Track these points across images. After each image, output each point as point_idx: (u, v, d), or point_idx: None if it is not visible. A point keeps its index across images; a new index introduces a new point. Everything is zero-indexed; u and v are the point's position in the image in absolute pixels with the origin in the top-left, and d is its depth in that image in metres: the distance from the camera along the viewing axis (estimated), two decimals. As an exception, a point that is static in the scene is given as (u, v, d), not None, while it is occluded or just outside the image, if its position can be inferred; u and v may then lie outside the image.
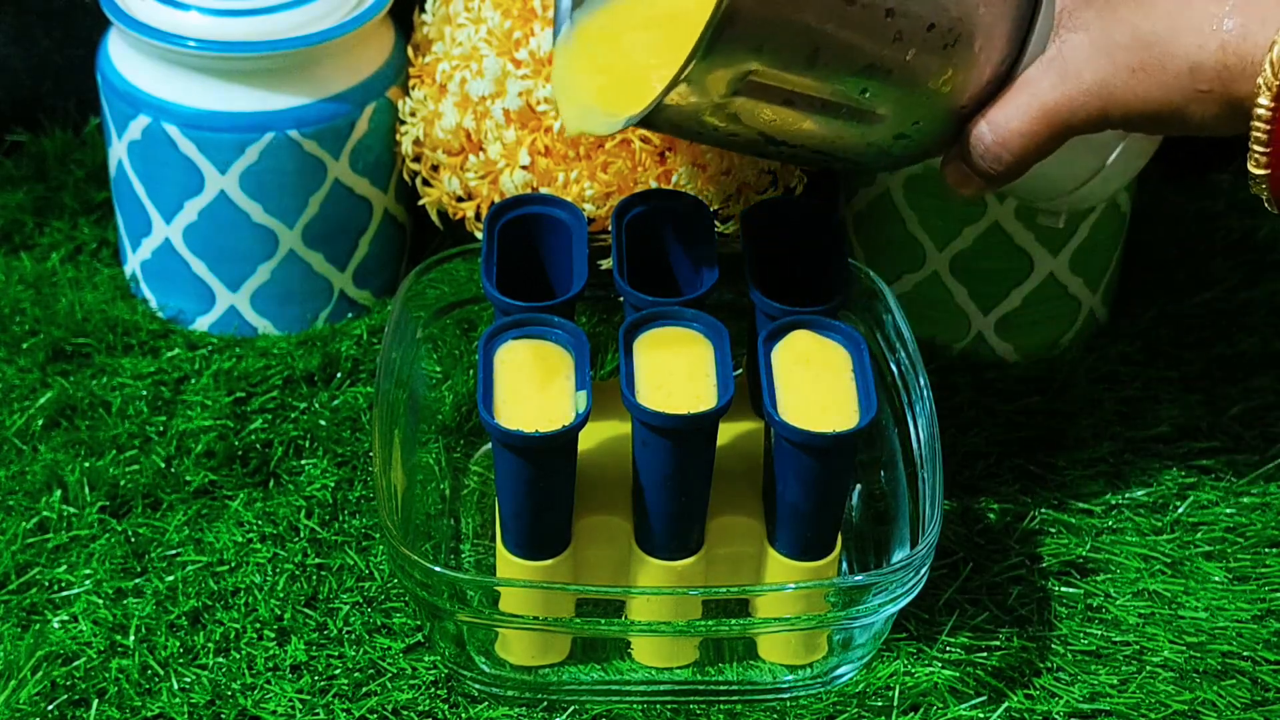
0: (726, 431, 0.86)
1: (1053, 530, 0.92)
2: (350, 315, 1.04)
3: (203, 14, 0.97)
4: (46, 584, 0.88)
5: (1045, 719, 0.84)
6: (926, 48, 0.77)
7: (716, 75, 0.76)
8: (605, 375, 0.99)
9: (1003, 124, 0.79)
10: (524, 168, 0.94)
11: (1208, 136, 0.77)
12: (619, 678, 0.85)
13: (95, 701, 0.83)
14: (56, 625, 0.86)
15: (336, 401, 0.98)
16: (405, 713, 0.84)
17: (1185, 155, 1.14)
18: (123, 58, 0.99)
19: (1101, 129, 0.78)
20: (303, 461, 0.95)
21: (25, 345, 1.00)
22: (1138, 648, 0.87)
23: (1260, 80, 0.72)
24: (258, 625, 0.87)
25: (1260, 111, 0.73)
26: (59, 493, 0.92)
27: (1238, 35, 0.73)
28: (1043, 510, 0.93)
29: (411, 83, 0.99)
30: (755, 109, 0.78)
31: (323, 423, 0.96)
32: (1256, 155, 0.74)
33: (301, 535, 0.91)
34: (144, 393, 0.97)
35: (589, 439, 0.85)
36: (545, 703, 0.84)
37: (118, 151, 1.00)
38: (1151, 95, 0.75)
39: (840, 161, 0.83)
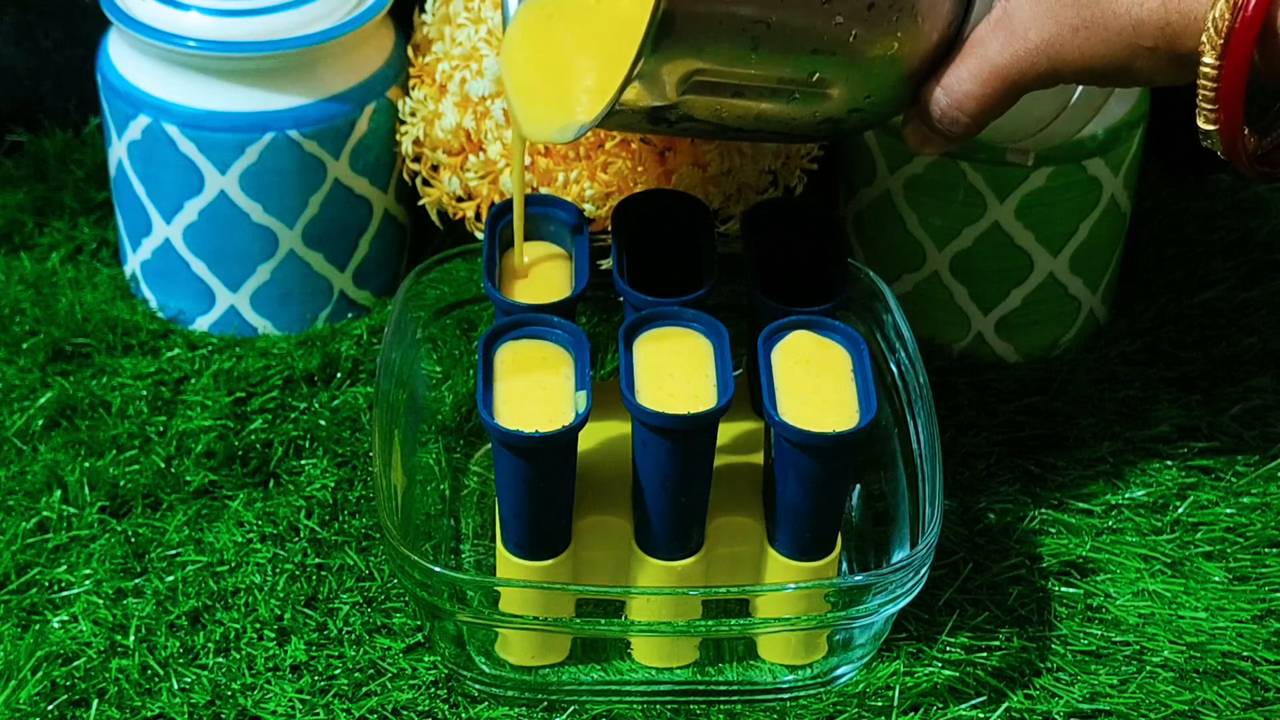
0: (726, 431, 0.86)
1: (1053, 530, 0.92)
2: (350, 315, 1.04)
3: (203, 14, 0.97)
4: (46, 584, 0.88)
5: (1045, 719, 0.84)
6: (869, 25, 0.77)
7: (661, 78, 0.76)
8: (605, 375, 0.99)
9: (956, 87, 0.79)
10: (524, 168, 0.94)
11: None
12: (619, 678, 0.85)
13: (95, 701, 0.83)
14: (56, 625, 0.86)
15: (336, 401, 0.98)
16: (405, 713, 0.84)
17: (1185, 155, 1.14)
18: (123, 58, 0.99)
19: (1053, 85, 0.78)
20: (303, 461, 0.95)
21: (25, 345, 1.00)
22: (1138, 648, 0.87)
23: (1204, 38, 0.72)
24: (258, 625, 0.87)
25: (1205, 70, 0.73)
26: (59, 493, 0.92)
27: None
28: (1043, 510, 0.93)
29: (411, 83, 0.99)
30: (706, 103, 0.78)
31: (323, 423, 0.96)
32: (1205, 111, 0.74)
33: (301, 535, 0.91)
34: (144, 393, 0.97)
35: (589, 439, 0.85)
36: (545, 703, 0.84)
37: (118, 151, 1.00)
38: (1097, 52, 0.76)
39: (800, 139, 0.83)
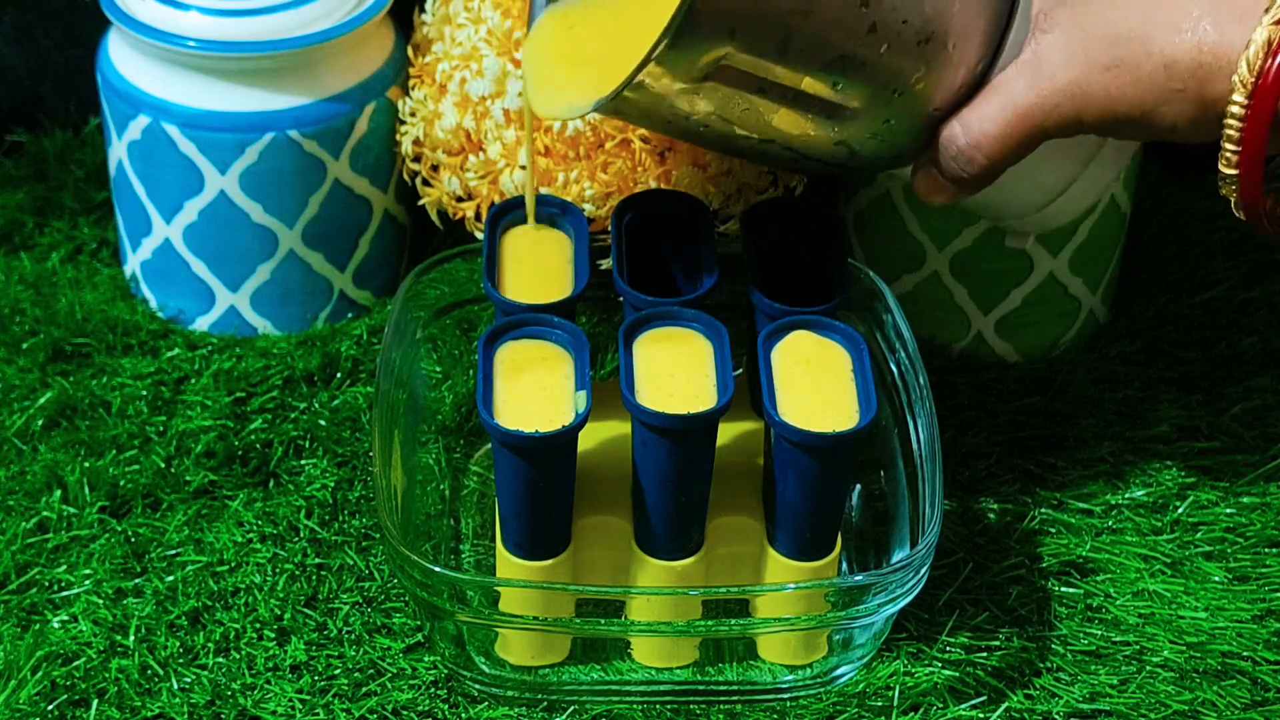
0: (726, 431, 0.86)
1: (1053, 530, 0.92)
2: (350, 315, 1.04)
3: (203, 14, 0.97)
4: (46, 584, 0.88)
5: (1045, 719, 0.84)
6: (901, 43, 0.77)
7: (688, 58, 0.75)
8: (605, 375, 0.99)
9: (975, 125, 0.79)
10: (524, 168, 0.94)
11: (1174, 143, 0.77)
12: (619, 678, 0.85)
13: (95, 701, 0.83)
14: (56, 625, 0.86)
15: (336, 401, 0.98)
16: (405, 713, 0.84)
17: (1185, 155, 1.14)
18: (123, 58, 0.99)
19: (1074, 132, 0.78)
20: (303, 461, 0.95)
21: (25, 345, 1.00)
22: (1138, 648, 0.87)
23: (1235, 78, 0.72)
24: (258, 625, 0.87)
25: (1234, 109, 0.73)
26: (59, 493, 0.92)
27: (1214, 33, 0.73)
28: (1043, 510, 0.93)
29: (411, 83, 0.99)
30: (727, 97, 0.78)
31: (323, 423, 0.96)
32: (1228, 155, 0.74)
33: (301, 535, 0.91)
34: (144, 393, 0.97)
35: (589, 439, 0.85)
36: (545, 703, 0.84)
37: (118, 151, 1.00)
38: (1125, 94, 0.75)
39: (810, 162, 0.82)
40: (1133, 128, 0.77)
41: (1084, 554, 0.91)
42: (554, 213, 0.91)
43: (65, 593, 0.88)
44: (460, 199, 0.98)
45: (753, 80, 0.77)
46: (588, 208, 0.93)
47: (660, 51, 0.74)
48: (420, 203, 1.00)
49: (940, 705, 0.84)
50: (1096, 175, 0.86)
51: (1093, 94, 0.76)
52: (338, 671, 0.85)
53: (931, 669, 0.85)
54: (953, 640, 0.87)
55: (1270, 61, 0.72)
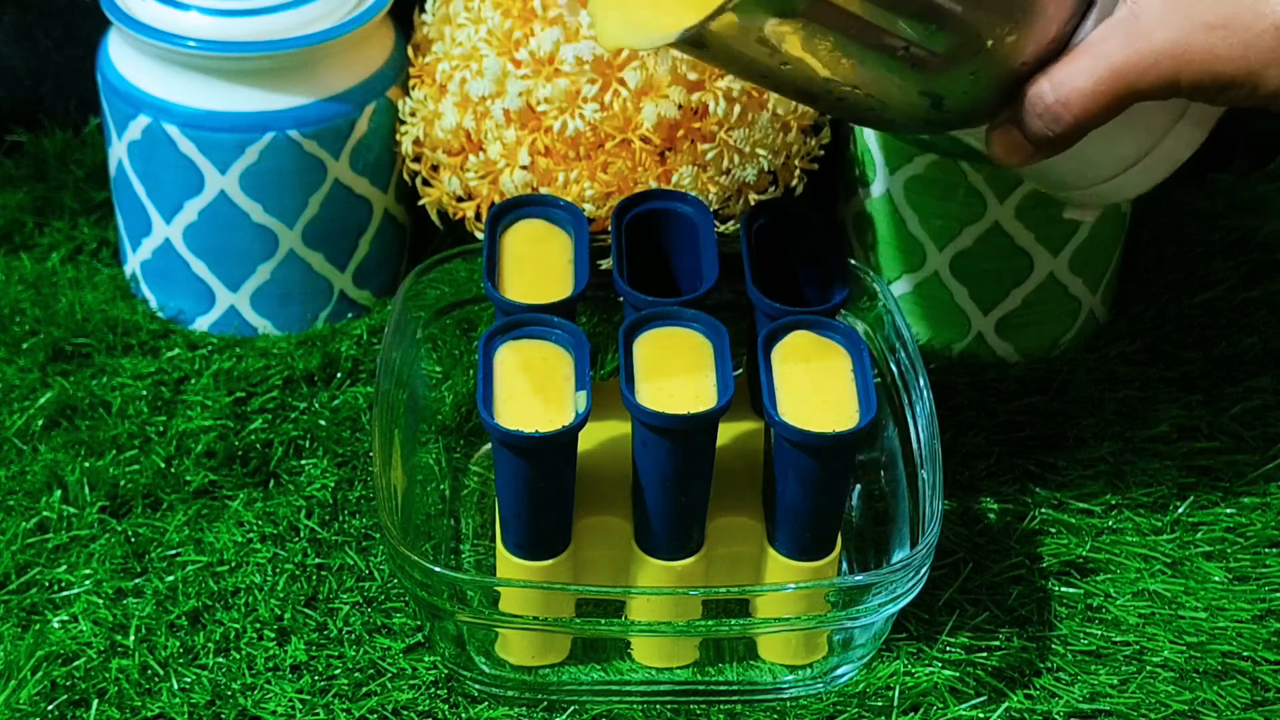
0: (726, 431, 0.86)
1: (1053, 530, 0.92)
2: (350, 315, 1.04)
3: (203, 14, 0.97)
4: (46, 584, 0.88)
5: (1045, 719, 0.84)
6: None
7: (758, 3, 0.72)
8: (605, 375, 0.99)
9: (1065, 82, 0.76)
10: (524, 168, 0.94)
11: (1270, 112, 0.74)
12: (619, 678, 0.85)
13: (95, 701, 0.83)
14: (56, 625, 0.86)
15: (336, 401, 0.98)
16: (405, 713, 0.84)
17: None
18: (123, 58, 0.99)
19: (1169, 95, 0.75)
20: (303, 461, 0.95)
21: (25, 345, 1.00)
22: (1138, 648, 0.87)
23: None
24: (258, 625, 0.87)
25: None
26: (59, 493, 0.92)
27: None
28: (1043, 510, 0.93)
29: (411, 83, 0.99)
30: (815, 36, 0.75)
31: (323, 423, 0.96)
32: None
33: (301, 535, 0.91)
34: (144, 393, 0.97)
35: (589, 439, 0.85)
36: (545, 703, 0.84)
37: (118, 151, 1.00)
38: (1230, 55, 0.73)
39: (890, 113, 0.79)
40: (1234, 91, 0.74)
41: (1084, 554, 0.91)
42: (553, 212, 0.91)
43: (65, 593, 0.88)
44: (460, 199, 0.98)
45: (844, 18, 0.74)
46: (588, 208, 0.93)
47: None
48: (420, 203, 1.00)
49: (940, 705, 0.84)
50: (1171, 149, 0.84)
51: (1194, 54, 0.73)
52: (338, 671, 0.85)
53: (931, 669, 0.85)
54: (953, 640, 0.87)
55: None
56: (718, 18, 0.73)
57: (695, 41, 0.75)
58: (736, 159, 0.94)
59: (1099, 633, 0.88)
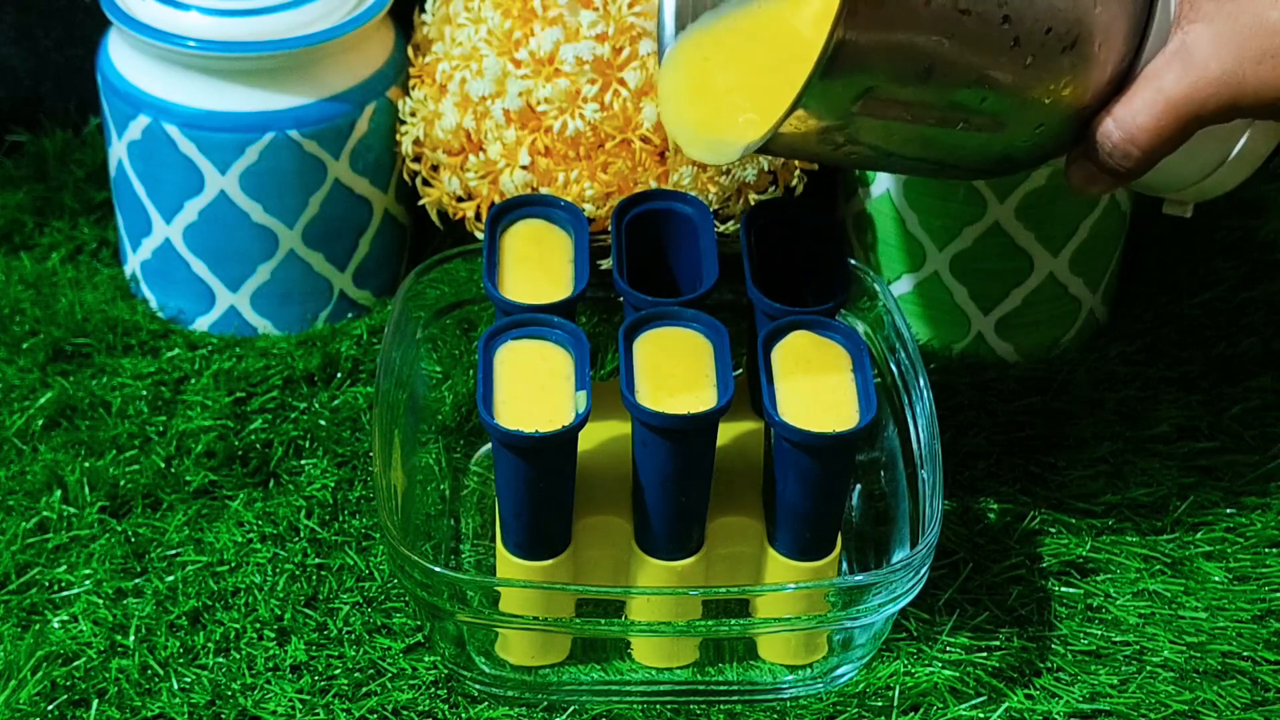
0: (726, 431, 0.86)
1: (1053, 530, 0.92)
2: (350, 315, 1.04)
3: (203, 14, 0.97)
4: (46, 584, 0.88)
5: (1045, 719, 0.84)
6: (1045, 52, 0.76)
7: (833, 95, 0.74)
8: (605, 375, 0.99)
9: (1129, 120, 0.77)
10: (524, 168, 0.94)
11: None
12: (619, 678, 0.85)
13: (95, 701, 0.83)
14: (56, 625, 0.86)
15: (336, 401, 0.98)
16: (405, 713, 0.84)
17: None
18: (123, 58, 0.99)
19: (1231, 119, 0.77)
20: (303, 461, 0.95)
21: (25, 345, 1.00)
22: (1138, 648, 0.87)
23: None
24: (258, 625, 0.87)
25: None
26: (59, 493, 0.92)
27: None
28: (1043, 510, 0.93)
29: (411, 83, 0.99)
30: (873, 126, 0.77)
31: (323, 423, 0.96)
32: None
33: (301, 535, 0.91)
34: (144, 393, 0.97)
35: (589, 439, 0.85)
36: (545, 703, 0.84)
37: (118, 151, 1.00)
38: None
39: (963, 171, 0.81)
40: None
41: (1084, 554, 0.91)
42: (553, 212, 0.91)
43: (65, 593, 0.88)
44: (460, 199, 0.98)
45: (900, 107, 0.76)
46: (588, 208, 0.93)
47: (806, 93, 0.73)
48: (420, 203, 1.00)
49: (940, 705, 0.84)
50: (1251, 148, 0.85)
51: (1247, 83, 0.75)
52: (338, 671, 0.85)
53: (931, 669, 0.85)
54: (953, 640, 0.87)
55: None
56: (773, 132, 0.76)
57: (762, 150, 0.78)
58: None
59: (1099, 633, 0.88)
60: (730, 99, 0.83)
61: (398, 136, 1.00)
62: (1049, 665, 0.86)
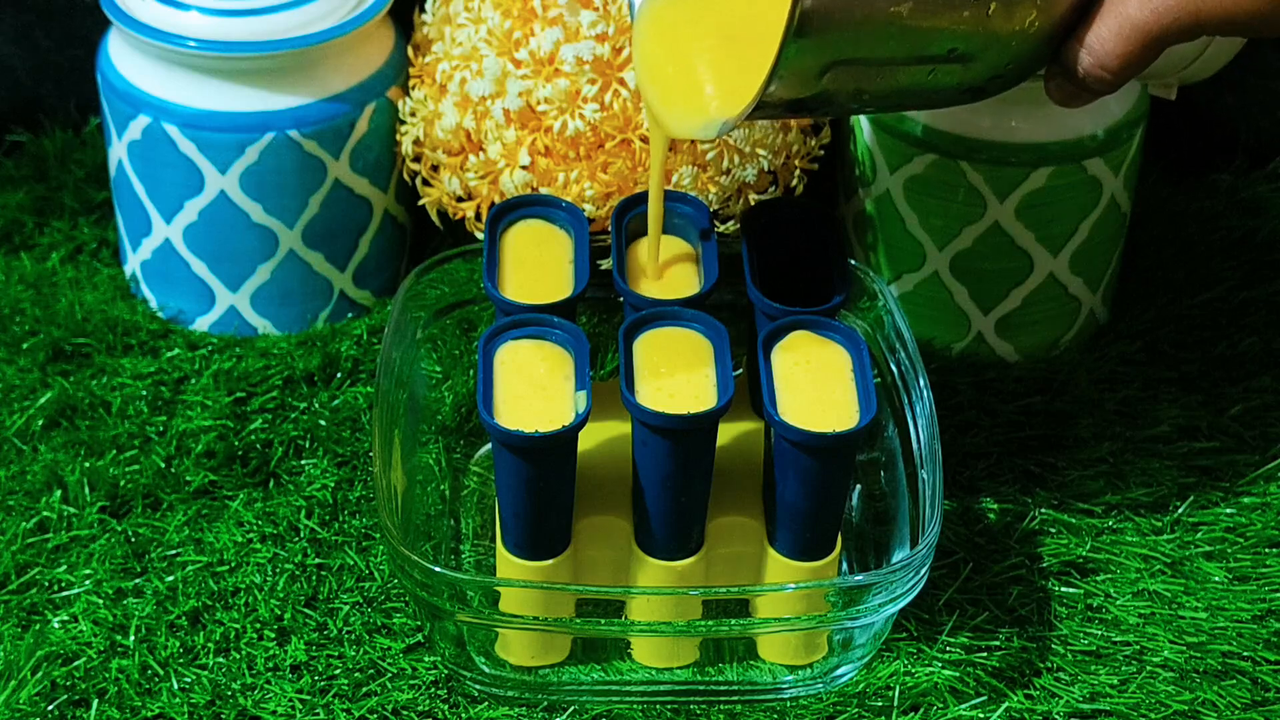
0: (726, 431, 0.86)
1: (1053, 530, 0.92)
2: (350, 315, 1.04)
3: (203, 14, 0.97)
4: (46, 584, 0.88)
5: (1045, 719, 0.84)
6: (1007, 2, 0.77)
7: (803, 69, 0.75)
8: (605, 375, 0.99)
9: (1097, 46, 0.78)
10: (524, 168, 0.94)
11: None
12: (619, 678, 0.85)
13: (95, 701, 0.83)
14: (56, 625, 0.86)
15: (336, 401, 0.98)
16: (405, 713, 0.84)
17: (1185, 155, 1.14)
18: (123, 58, 0.99)
19: (1196, 38, 0.78)
20: (303, 461, 0.95)
21: (25, 345, 1.00)
22: (1138, 648, 0.87)
23: None
24: (258, 625, 0.87)
25: None
26: (59, 493, 0.92)
27: None
28: (1043, 510, 0.93)
29: (411, 83, 0.99)
30: (847, 87, 0.78)
31: (323, 423, 0.96)
32: None
33: (301, 535, 0.91)
34: (144, 393, 0.97)
35: (589, 439, 0.85)
36: (545, 703, 0.84)
37: (118, 151, 1.00)
38: (1242, 5, 0.76)
39: (936, 105, 0.83)
40: (1255, 31, 0.77)
41: (1084, 554, 0.91)
42: (553, 212, 0.91)
43: (65, 593, 0.88)
44: (460, 199, 0.98)
45: (869, 69, 0.77)
46: (588, 208, 0.93)
47: (771, 77, 0.74)
48: (420, 203, 1.00)
49: (940, 705, 0.84)
50: (1226, 41, 0.87)
51: (1208, 5, 0.76)
52: (338, 671, 0.85)
53: (931, 669, 0.85)
54: (953, 640, 0.87)
55: None
56: (752, 109, 0.77)
57: (745, 121, 0.79)
58: (736, 159, 0.94)
59: (1099, 633, 0.88)
60: (702, 71, 0.83)
61: (398, 136, 1.00)
62: (1049, 665, 0.86)
